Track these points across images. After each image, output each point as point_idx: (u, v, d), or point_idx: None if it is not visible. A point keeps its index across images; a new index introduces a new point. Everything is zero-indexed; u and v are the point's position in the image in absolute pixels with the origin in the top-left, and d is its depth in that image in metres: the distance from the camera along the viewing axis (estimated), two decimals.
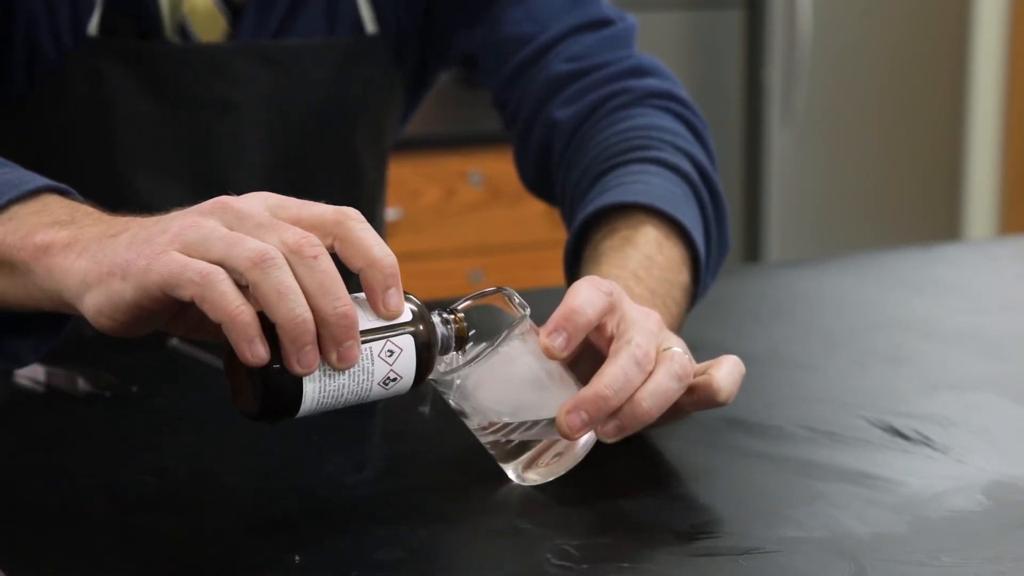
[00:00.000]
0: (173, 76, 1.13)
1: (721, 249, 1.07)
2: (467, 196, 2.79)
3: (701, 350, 1.08)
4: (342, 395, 0.72)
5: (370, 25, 1.18)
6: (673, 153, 1.06)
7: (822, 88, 3.24)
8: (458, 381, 0.78)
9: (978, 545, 0.72)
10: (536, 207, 2.76)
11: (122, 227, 0.73)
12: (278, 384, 0.70)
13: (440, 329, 0.76)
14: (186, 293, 0.68)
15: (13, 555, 0.71)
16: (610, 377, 0.77)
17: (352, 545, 0.72)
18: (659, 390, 0.78)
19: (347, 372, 0.71)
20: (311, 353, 0.69)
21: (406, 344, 0.73)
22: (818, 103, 3.25)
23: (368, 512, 0.77)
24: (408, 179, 2.73)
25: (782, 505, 0.77)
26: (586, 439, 0.79)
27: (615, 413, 0.77)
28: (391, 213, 2.69)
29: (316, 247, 0.69)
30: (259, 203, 0.71)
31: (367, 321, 0.72)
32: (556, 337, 0.77)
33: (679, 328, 0.97)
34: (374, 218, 1.30)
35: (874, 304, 1.24)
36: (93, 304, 0.70)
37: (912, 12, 3.35)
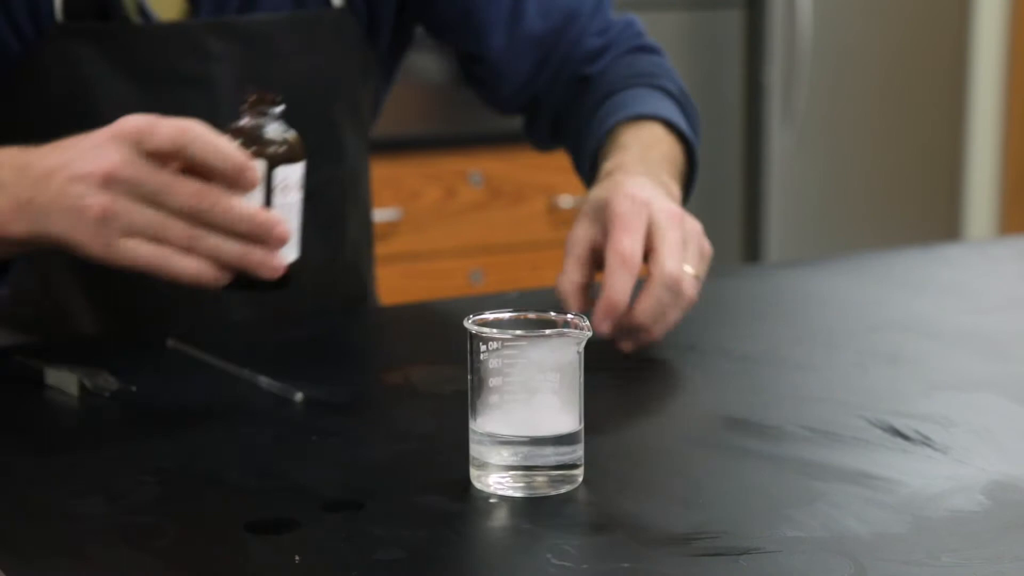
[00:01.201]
0: (144, 54, 1.15)
1: (698, 141, 1.24)
2: (467, 196, 2.79)
3: (701, 350, 1.08)
4: (296, 225, 0.95)
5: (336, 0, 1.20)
6: (665, 80, 1.26)
7: (822, 88, 3.24)
8: (497, 348, 0.78)
9: (978, 545, 0.72)
10: (536, 207, 2.76)
11: (28, 181, 0.93)
12: (266, 283, 0.94)
13: (273, 132, 0.94)
14: (157, 273, 0.91)
15: (13, 555, 0.71)
16: (646, 304, 0.98)
17: (352, 545, 0.72)
18: (668, 322, 1.00)
19: (289, 223, 0.93)
20: (270, 258, 0.92)
21: (286, 172, 0.94)
22: (818, 103, 3.25)
23: (368, 512, 0.77)
24: (408, 179, 2.72)
25: (782, 505, 0.77)
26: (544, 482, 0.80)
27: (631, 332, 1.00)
28: (391, 213, 2.69)
29: (205, 200, 0.90)
30: (129, 148, 0.90)
31: (258, 193, 0.92)
32: (605, 323, 0.98)
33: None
34: (357, 196, 1.31)
35: (874, 304, 1.24)
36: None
37: (912, 12, 3.35)
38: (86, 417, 0.94)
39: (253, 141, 0.93)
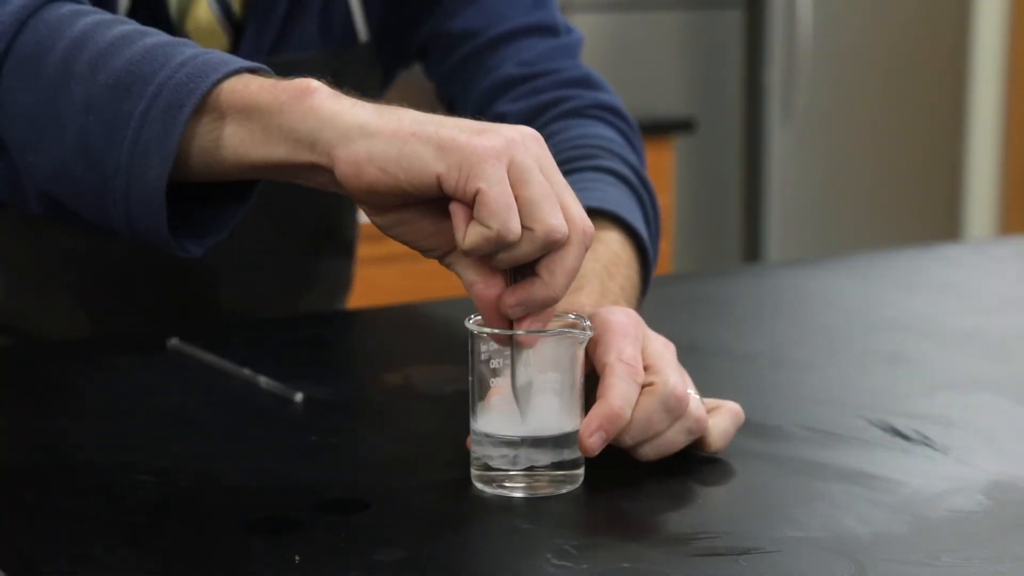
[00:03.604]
0: None
1: (656, 240, 1.09)
2: None
3: (701, 350, 1.08)
4: None
5: (363, 34, 1.18)
6: (616, 161, 1.09)
7: (822, 88, 3.25)
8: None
9: (978, 545, 0.72)
10: None
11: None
12: None
13: None
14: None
15: (13, 555, 0.71)
16: (637, 421, 0.80)
17: (352, 545, 0.72)
18: (665, 444, 0.81)
19: None
20: None
21: None
22: (818, 103, 3.25)
23: (368, 512, 0.77)
24: None
25: (782, 505, 0.77)
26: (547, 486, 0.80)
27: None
28: None
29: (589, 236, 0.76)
30: (533, 162, 0.74)
31: None
32: (596, 437, 0.78)
33: None
34: (354, 221, 1.32)
35: (874, 304, 1.24)
36: (368, 151, 0.72)
37: (912, 12, 3.35)
38: (87, 417, 0.94)
39: None
